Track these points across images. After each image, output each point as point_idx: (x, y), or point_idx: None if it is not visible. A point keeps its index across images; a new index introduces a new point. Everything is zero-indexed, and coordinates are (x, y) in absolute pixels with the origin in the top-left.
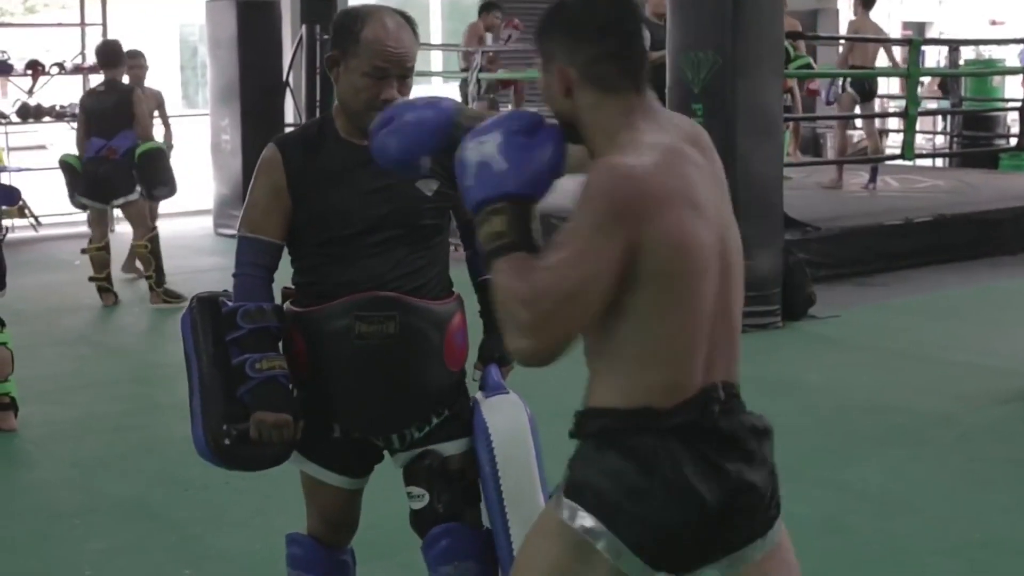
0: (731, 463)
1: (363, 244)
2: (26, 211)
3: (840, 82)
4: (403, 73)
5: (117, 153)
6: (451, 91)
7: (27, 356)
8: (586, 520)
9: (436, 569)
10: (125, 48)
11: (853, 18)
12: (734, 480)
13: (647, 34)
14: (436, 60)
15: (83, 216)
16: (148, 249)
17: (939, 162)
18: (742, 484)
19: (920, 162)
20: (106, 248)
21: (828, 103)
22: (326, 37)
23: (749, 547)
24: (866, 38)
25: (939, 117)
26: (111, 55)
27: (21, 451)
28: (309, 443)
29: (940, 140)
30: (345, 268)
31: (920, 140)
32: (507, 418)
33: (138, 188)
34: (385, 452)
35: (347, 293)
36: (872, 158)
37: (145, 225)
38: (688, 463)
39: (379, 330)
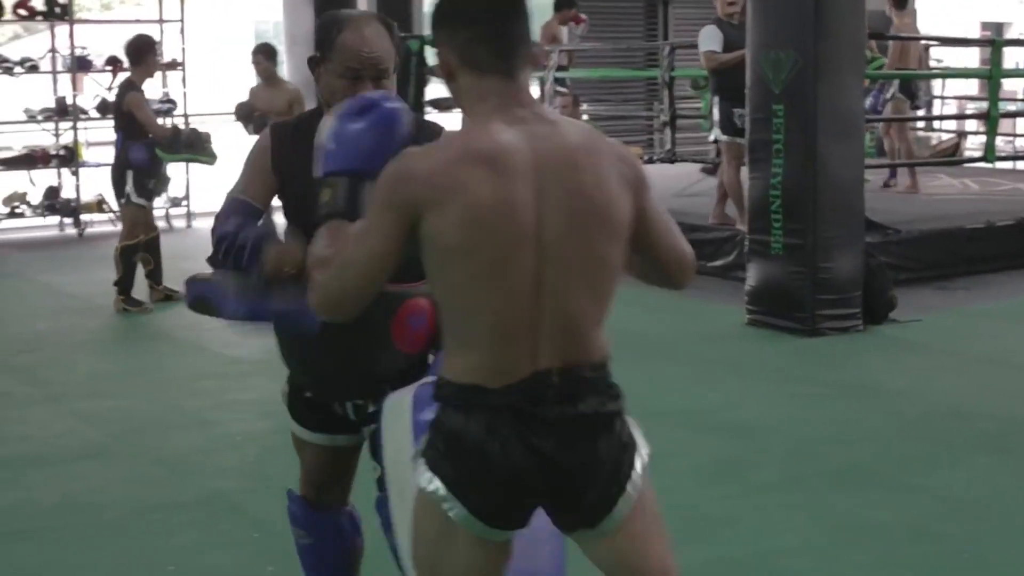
0: (545, 444)
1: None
2: (104, 206)
3: (888, 88)
4: (377, 75)
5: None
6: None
7: (106, 351)
8: (432, 482)
9: (385, 534)
10: (257, 43)
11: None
12: (546, 459)
13: (525, 22)
14: None
15: (160, 212)
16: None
17: (1020, 164)
18: (553, 465)
19: (1000, 165)
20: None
21: (877, 111)
22: (403, 35)
23: (597, 527)
24: (910, 37)
25: (1020, 119)
26: (129, 52)
27: (105, 446)
28: (292, 403)
29: (1021, 143)
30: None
31: (999, 142)
32: (395, 398)
33: (127, 190)
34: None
35: None
36: (956, 160)
37: (129, 228)
38: (507, 438)
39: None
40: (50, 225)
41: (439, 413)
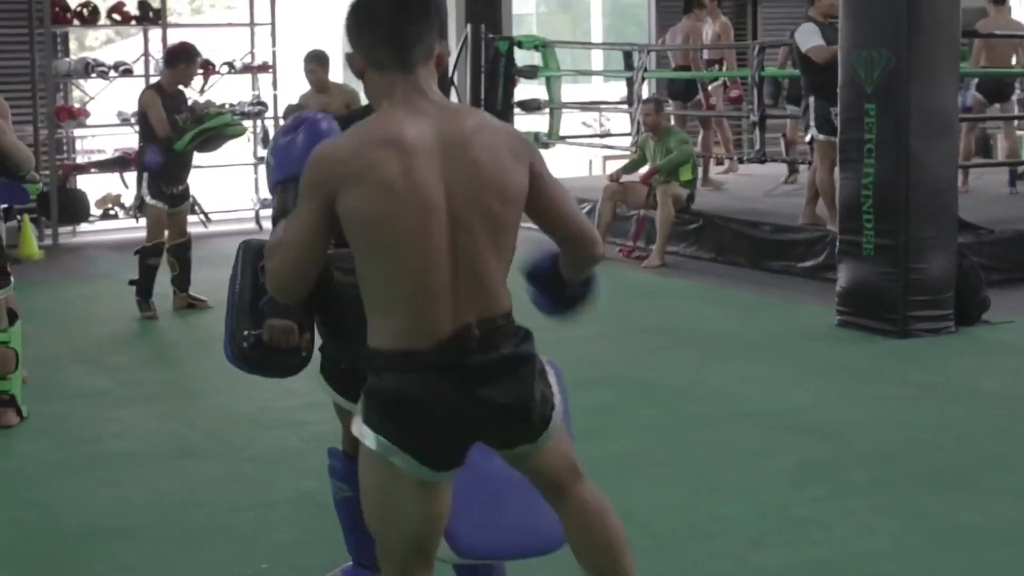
0: (482, 389)
1: None
2: (195, 208)
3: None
4: None
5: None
6: (613, 90)
7: (201, 350)
8: (376, 440)
9: None
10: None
11: (987, 16)
12: (486, 402)
13: (423, 22)
14: (597, 59)
15: (251, 213)
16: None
17: None
18: (494, 405)
19: None
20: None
21: (966, 109)
22: (491, 36)
23: (521, 447)
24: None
25: None
26: (165, 56)
27: (198, 444)
28: (330, 374)
29: None
30: None
31: None
32: None
33: (141, 192)
34: None
35: None
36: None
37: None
38: (447, 393)
39: (351, 280)
40: (142, 227)
41: (372, 380)
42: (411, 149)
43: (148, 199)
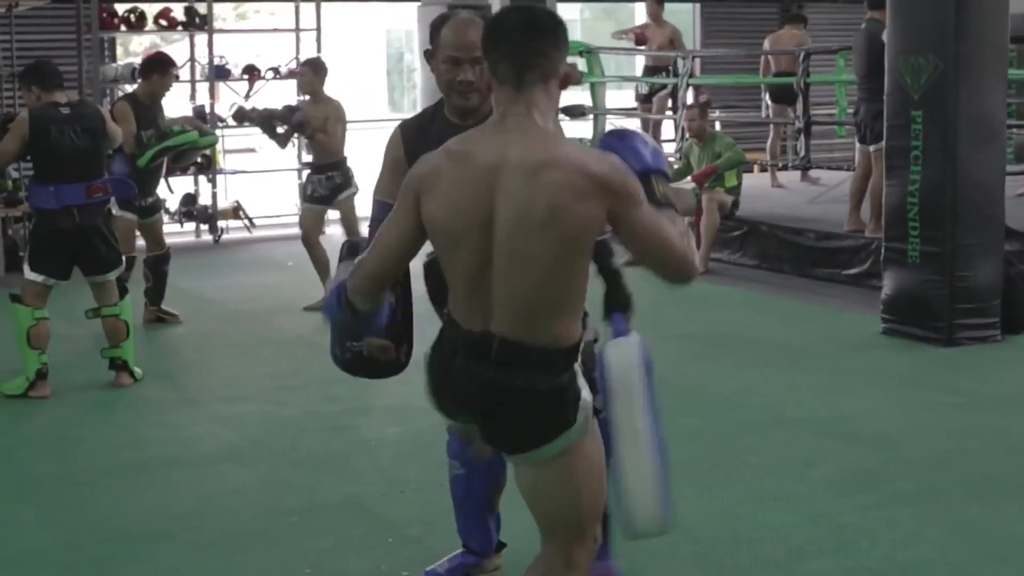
0: (478, 389)
1: None
2: (240, 212)
3: None
4: (471, 60)
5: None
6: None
7: (245, 355)
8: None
9: None
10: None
11: None
12: (481, 395)
13: (552, 44)
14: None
15: (295, 218)
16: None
17: None
18: (486, 404)
19: None
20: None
21: None
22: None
23: (522, 455)
24: None
25: None
26: (140, 68)
27: (242, 449)
28: None
29: None
30: None
31: None
32: (622, 354)
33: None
34: None
35: None
36: None
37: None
38: (460, 365)
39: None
40: (187, 232)
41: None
42: (474, 165)
43: (116, 210)
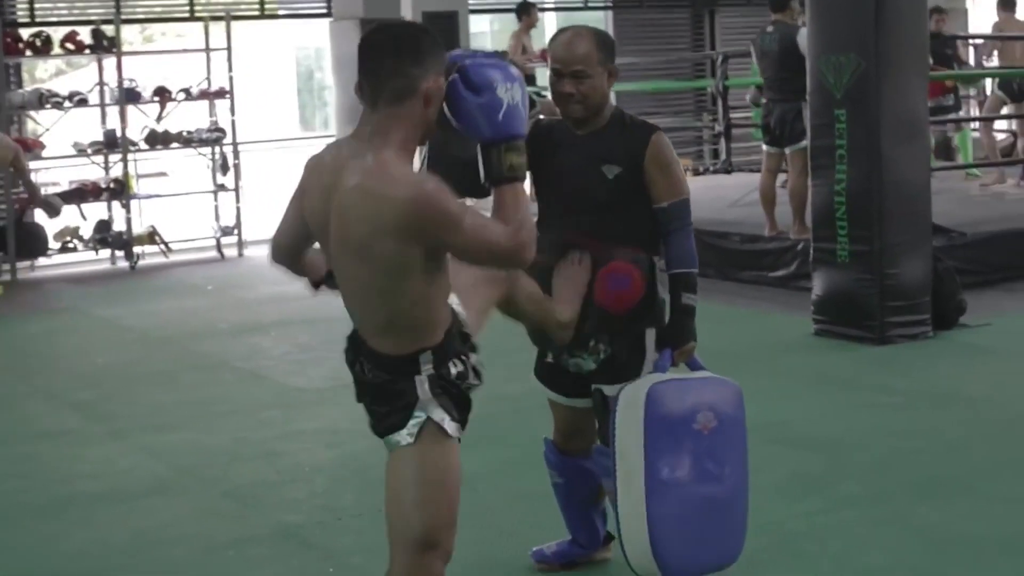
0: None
1: (556, 208)
2: (156, 238)
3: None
4: (570, 73)
5: None
6: None
7: (169, 382)
8: None
9: (601, 478)
10: None
11: (996, 20)
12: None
13: (405, 61)
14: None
15: (212, 242)
16: None
17: None
18: (361, 387)
19: None
20: None
21: None
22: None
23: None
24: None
25: None
26: None
27: (172, 480)
28: (539, 368)
29: None
30: (551, 225)
31: None
32: (628, 397)
33: None
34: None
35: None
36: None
37: None
38: (350, 357)
39: (546, 263)
40: (102, 259)
41: None
42: (322, 176)
43: None
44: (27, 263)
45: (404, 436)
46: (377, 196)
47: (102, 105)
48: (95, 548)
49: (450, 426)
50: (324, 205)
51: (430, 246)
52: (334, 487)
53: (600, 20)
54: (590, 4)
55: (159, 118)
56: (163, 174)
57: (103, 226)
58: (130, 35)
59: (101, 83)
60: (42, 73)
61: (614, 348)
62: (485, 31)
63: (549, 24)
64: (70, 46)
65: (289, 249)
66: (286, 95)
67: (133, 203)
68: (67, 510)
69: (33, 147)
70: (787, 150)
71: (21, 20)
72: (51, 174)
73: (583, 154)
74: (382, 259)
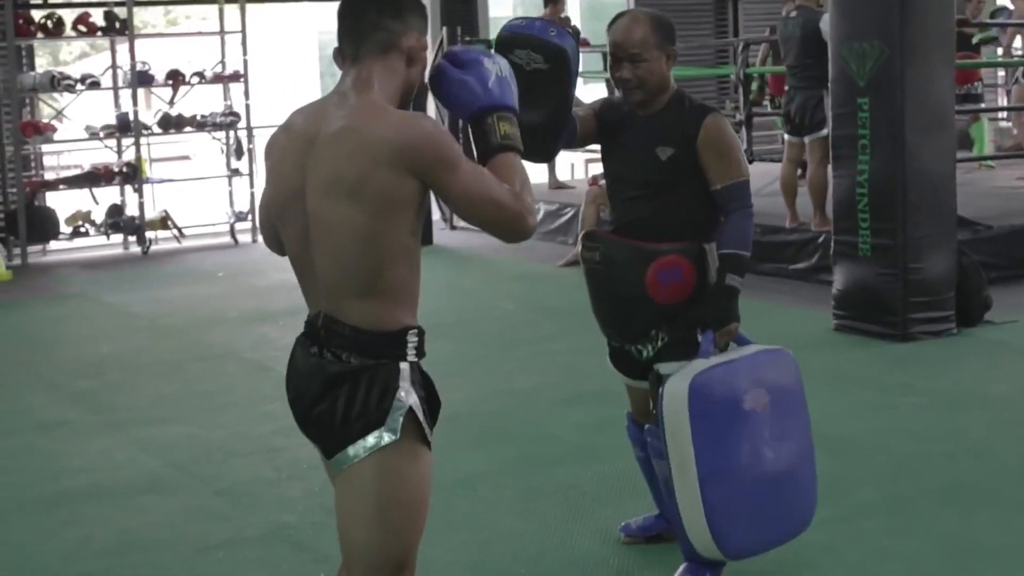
0: (304, 377)
1: (616, 186)
2: (169, 223)
3: (1018, 72)
4: (627, 57)
5: None
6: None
7: (173, 373)
8: None
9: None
10: None
11: (1014, 7)
12: (304, 386)
13: (388, 15)
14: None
15: (225, 227)
16: None
17: None
18: (296, 398)
19: None
20: None
21: None
22: (467, 39)
23: (331, 460)
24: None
25: None
26: None
27: (165, 477)
28: (610, 350)
29: None
30: (613, 204)
31: None
32: (674, 386)
33: None
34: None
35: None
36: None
37: None
38: (297, 353)
39: (591, 257)
40: (114, 244)
41: None
42: (291, 136)
43: None
44: (39, 247)
45: (384, 436)
46: (369, 132)
47: (115, 88)
48: (81, 549)
49: (426, 427)
50: (301, 159)
51: (425, 185)
52: (330, 485)
53: (622, 5)
54: None
55: (171, 102)
56: (186, 157)
57: (115, 210)
58: (153, 17)
59: (114, 66)
60: (66, 56)
61: (673, 334)
62: (507, 16)
63: (573, 9)
64: (82, 28)
65: (276, 238)
66: (309, 79)
67: (146, 188)
68: (57, 508)
69: (44, 130)
70: (807, 139)
71: (33, 1)
72: (65, 158)
73: (641, 135)
74: (375, 196)
